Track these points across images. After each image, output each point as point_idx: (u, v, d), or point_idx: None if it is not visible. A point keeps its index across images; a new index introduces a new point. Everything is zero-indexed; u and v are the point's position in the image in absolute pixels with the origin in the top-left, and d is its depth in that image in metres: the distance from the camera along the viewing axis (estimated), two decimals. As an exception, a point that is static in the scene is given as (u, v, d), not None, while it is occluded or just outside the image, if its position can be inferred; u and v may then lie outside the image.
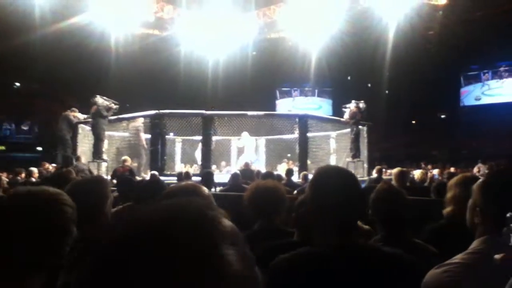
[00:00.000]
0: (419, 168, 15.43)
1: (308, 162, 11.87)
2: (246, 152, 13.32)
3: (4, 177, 9.62)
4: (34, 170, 8.92)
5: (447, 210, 2.63)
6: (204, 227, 0.52)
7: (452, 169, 13.04)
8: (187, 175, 7.98)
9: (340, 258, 1.45)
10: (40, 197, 1.40)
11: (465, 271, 1.31)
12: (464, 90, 30.05)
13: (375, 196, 2.38)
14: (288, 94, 33.77)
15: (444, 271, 1.32)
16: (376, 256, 1.49)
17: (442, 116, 30.67)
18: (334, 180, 1.53)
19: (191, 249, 0.49)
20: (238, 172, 7.71)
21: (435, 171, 13.11)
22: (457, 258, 1.39)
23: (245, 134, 13.16)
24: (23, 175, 9.36)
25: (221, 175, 11.96)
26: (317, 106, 32.56)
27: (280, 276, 1.49)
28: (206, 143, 11.23)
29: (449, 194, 2.64)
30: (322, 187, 1.54)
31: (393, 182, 6.29)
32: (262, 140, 14.46)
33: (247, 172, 9.18)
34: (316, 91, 33.41)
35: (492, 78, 29.09)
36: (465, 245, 1.47)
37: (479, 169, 12.52)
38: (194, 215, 0.53)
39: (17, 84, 25.78)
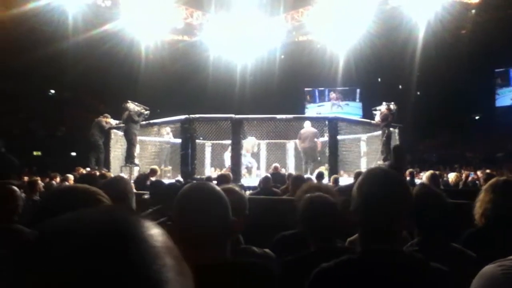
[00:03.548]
0: (453, 171, 15.06)
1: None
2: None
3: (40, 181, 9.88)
4: (70, 176, 9.10)
5: (477, 213, 2.56)
6: (135, 239, 0.46)
7: (487, 171, 12.67)
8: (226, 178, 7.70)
9: (381, 268, 1.41)
10: (80, 190, 1.47)
11: None
12: (499, 90, 29.21)
13: (413, 199, 2.31)
14: (318, 97, 33.09)
15: (499, 265, 1.26)
16: (420, 269, 1.43)
17: (476, 117, 29.88)
18: (381, 184, 1.48)
19: (118, 262, 0.43)
20: (268, 175, 7.69)
21: (472, 173, 12.78)
22: None
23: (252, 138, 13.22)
24: (58, 179, 9.57)
25: (251, 179, 11.98)
26: (345, 109, 31.80)
27: (323, 285, 1.47)
28: (235, 147, 11.25)
29: (480, 197, 2.57)
30: (368, 191, 1.49)
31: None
32: (291, 144, 14.40)
33: (277, 176, 9.15)
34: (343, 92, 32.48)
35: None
36: (505, 249, 1.40)
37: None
38: (120, 224, 0.48)
39: (52, 91, 26.49)
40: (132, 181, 9.39)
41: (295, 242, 2.48)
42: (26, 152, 21.37)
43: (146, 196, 4.96)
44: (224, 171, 11.40)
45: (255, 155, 13.60)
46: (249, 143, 12.99)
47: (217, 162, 13.85)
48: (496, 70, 28.85)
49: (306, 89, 32.43)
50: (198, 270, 1.43)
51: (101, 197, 1.47)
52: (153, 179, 8.95)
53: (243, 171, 12.57)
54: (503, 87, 29.04)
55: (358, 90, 31.86)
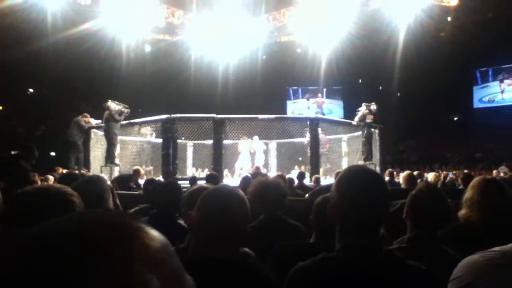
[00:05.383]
0: (433, 170, 15.28)
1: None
2: (258, 156, 13.43)
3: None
4: (50, 177, 8.96)
5: (462, 212, 2.59)
6: (125, 240, 0.43)
7: (465, 171, 12.91)
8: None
9: (358, 266, 1.41)
10: (48, 191, 1.47)
11: (503, 257, 1.28)
12: (476, 91, 29.76)
13: (414, 195, 2.32)
14: (292, 95, 32.99)
15: (481, 256, 1.29)
16: (397, 267, 1.45)
17: (455, 118, 30.39)
18: (360, 181, 1.50)
19: (104, 267, 0.40)
20: (249, 175, 7.69)
21: (451, 173, 13.02)
22: (498, 247, 1.35)
23: (255, 138, 13.29)
24: (36, 178, 9.40)
25: (233, 179, 11.99)
26: (327, 110, 31.86)
27: (300, 284, 1.47)
28: (217, 147, 11.24)
29: (466, 196, 2.61)
30: (346, 188, 1.50)
31: (403, 186, 6.25)
32: (273, 144, 14.44)
33: (258, 176, 9.15)
34: (326, 93, 32.34)
35: (505, 79, 28.76)
36: (482, 248, 1.43)
37: (498, 172, 12.32)
38: (114, 226, 0.44)
39: (30, 90, 26.05)
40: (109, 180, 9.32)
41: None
42: (4, 152, 20.98)
43: (140, 192, 5.04)
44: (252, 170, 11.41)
45: (252, 156, 13.66)
46: (245, 144, 13.07)
47: (199, 162, 13.81)
48: (474, 72, 29.37)
49: (290, 91, 32.62)
50: (211, 263, 1.52)
51: (73, 197, 1.47)
52: (140, 179, 8.91)
53: (239, 171, 12.65)
54: (479, 87, 29.61)
55: (340, 88, 31.93)
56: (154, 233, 0.46)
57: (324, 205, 2.28)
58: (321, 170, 12.15)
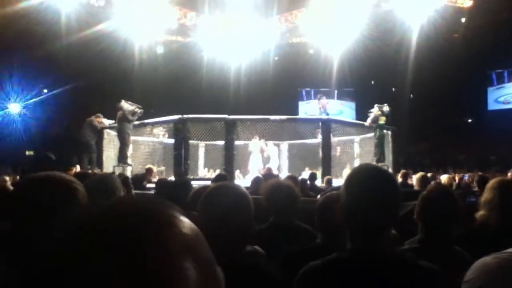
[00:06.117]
0: (446, 173, 15.13)
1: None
2: (272, 161, 13.43)
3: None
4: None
5: (479, 213, 2.57)
6: (159, 228, 0.43)
7: (479, 173, 12.75)
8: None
9: (369, 268, 1.40)
10: (52, 177, 1.48)
11: None
12: (491, 93, 29.40)
13: (425, 195, 2.31)
14: (305, 96, 32.80)
15: (494, 257, 1.26)
16: (409, 268, 1.43)
17: (469, 120, 30.06)
18: (370, 180, 1.46)
19: (139, 257, 0.40)
20: (260, 176, 7.68)
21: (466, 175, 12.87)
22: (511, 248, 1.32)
23: (269, 143, 13.29)
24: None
25: (244, 180, 11.98)
26: (338, 111, 31.56)
27: (311, 284, 1.46)
28: (229, 147, 11.24)
29: (483, 197, 2.57)
30: (355, 188, 1.47)
31: (416, 187, 6.20)
32: (284, 145, 14.41)
33: (269, 177, 9.13)
34: (337, 94, 32.06)
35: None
36: (500, 250, 1.40)
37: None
38: (148, 213, 0.44)
39: (45, 90, 26.31)
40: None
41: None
42: (19, 152, 21.25)
43: (151, 192, 5.15)
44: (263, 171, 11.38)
45: (266, 159, 13.62)
46: (256, 144, 13.04)
47: (210, 162, 13.83)
48: (489, 74, 29.01)
49: (302, 92, 32.45)
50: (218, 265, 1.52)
51: (76, 185, 1.48)
52: (153, 178, 8.96)
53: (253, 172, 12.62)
54: (494, 88, 29.23)
55: (352, 90, 31.71)
56: (188, 221, 0.47)
57: (327, 205, 2.28)
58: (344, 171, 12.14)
